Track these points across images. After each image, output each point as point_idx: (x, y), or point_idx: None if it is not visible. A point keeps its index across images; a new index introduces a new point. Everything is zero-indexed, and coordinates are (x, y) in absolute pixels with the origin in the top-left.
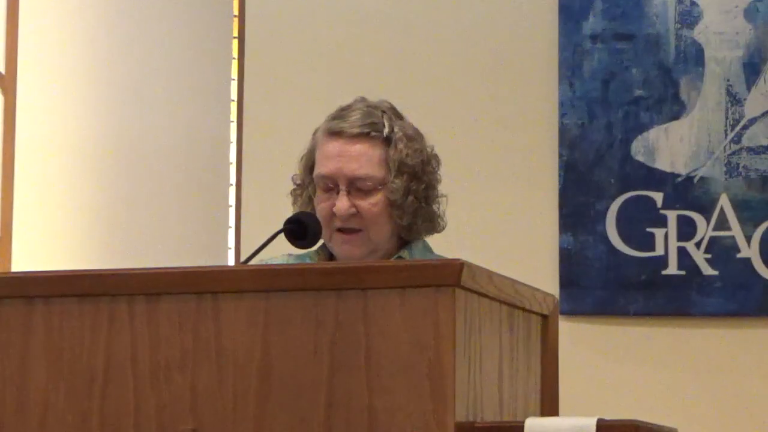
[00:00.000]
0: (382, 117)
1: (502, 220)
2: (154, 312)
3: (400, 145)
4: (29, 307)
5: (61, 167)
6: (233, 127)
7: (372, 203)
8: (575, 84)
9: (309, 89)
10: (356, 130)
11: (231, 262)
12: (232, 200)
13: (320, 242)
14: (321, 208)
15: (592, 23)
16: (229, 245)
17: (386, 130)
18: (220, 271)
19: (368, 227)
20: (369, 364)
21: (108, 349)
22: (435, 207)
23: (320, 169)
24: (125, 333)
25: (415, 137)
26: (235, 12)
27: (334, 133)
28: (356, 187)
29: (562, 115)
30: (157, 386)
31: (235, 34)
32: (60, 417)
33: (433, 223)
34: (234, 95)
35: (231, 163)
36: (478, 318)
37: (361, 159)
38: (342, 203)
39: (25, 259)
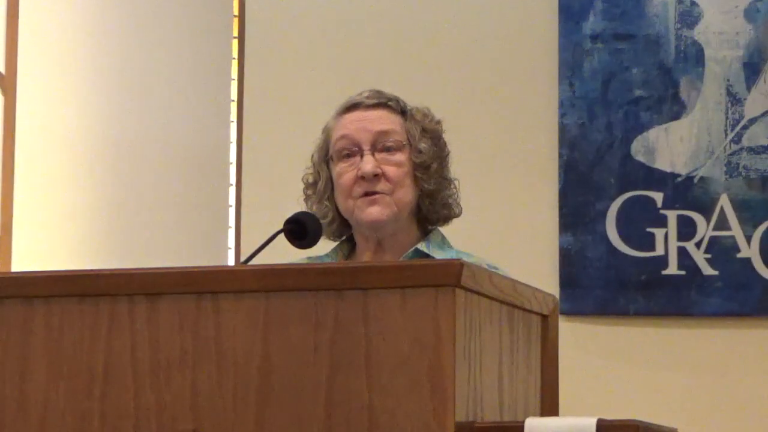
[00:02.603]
0: (395, 97)
1: (502, 220)
2: (154, 312)
3: (419, 116)
4: (29, 307)
5: (61, 167)
6: (233, 127)
7: (398, 162)
8: (575, 84)
9: (309, 89)
10: (374, 101)
11: (231, 262)
12: (232, 200)
13: (337, 242)
14: (343, 177)
15: (592, 23)
16: (229, 245)
17: (401, 104)
18: (220, 271)
19: (393, 189)
20: (369, 364)
21: (108, 349)
22: (452, 189)
23: (339, 133)
24: (125, 333)
25: (430, 113)
26: (235, 12)
27: (351, 107)
28: (380, 145)
29: (562, 115)
30: (157, 386)
31: (235, 34)
32: (60, 417)
33: (450, 207)
34: (234, 95)
35: (231, 163)
36: (478, 318)
37: (383, 119)
38: (367, 162)
39: (25, 259)
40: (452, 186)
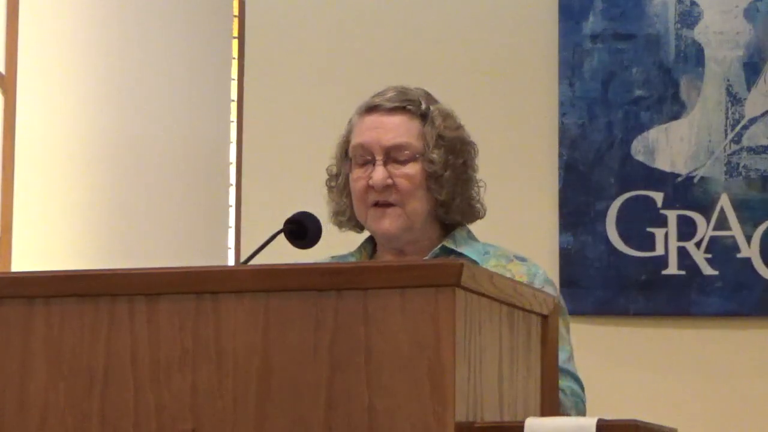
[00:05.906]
0: (418, 96)
1: (502, 220)
2: (154, 312)
3: (438, 121)
4: (29, 307)
5: (61, 167)
6: (233, 127)
7: (408, 174)
8: (575, 84)
9: (309, 89)
10: (394, 104)
11: (231, 262)
12: (232, 200)
13: (364, 239)
14: (356, 184)
15: (592, 23)
16: (229, 245)
17: (423, 106)
18: (220, 271)
19: (404, 201)
20: (369, 364)
21: (108, 349)
22: (473, 191)
23: (356, 140)
24: (125, 333)
25: (452, 116)
26: (235, 12)
27: (371, 108)
28: (393, 157)
29: (562, 115)
30: (157, 386)
31: (235, 34)
32: (60, 417)
33: (472, 208)
34: (234, 95)
35: (231, 163)
36: (478, 318)
37: (398, 129)
38: (378, 173)
39: (25, 259)
40: (474, 188)
